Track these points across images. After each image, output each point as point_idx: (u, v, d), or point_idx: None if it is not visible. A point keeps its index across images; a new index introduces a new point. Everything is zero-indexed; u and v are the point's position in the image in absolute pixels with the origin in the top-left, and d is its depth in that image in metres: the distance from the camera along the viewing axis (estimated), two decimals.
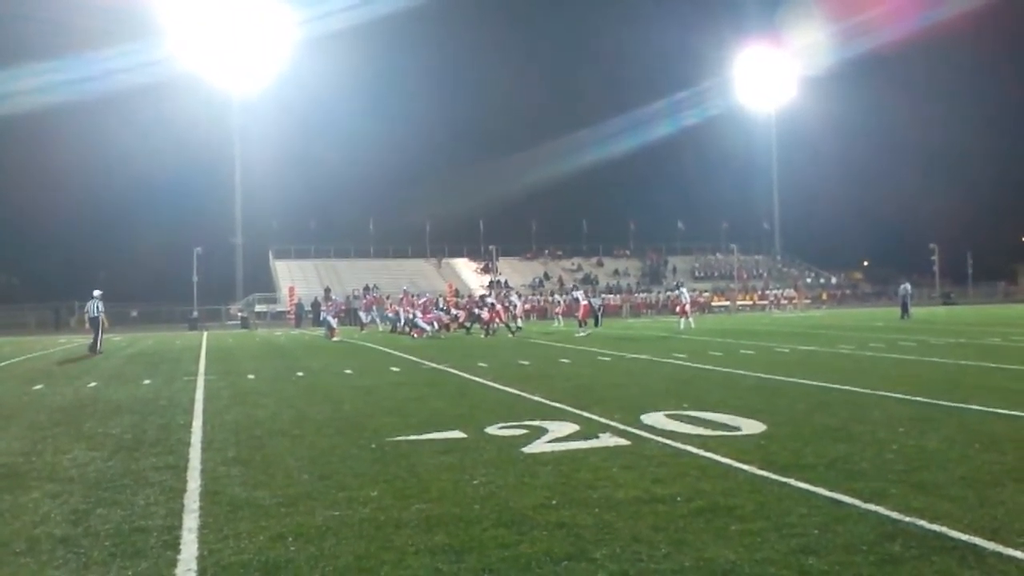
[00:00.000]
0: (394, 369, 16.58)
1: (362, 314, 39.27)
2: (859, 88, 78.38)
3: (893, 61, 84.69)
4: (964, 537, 4.79)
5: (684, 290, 32.52)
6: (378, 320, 38.10)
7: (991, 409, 9.36)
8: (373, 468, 7.07)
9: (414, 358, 19.20)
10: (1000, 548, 4.59)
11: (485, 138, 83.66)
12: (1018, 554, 4.49)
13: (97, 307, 24.76)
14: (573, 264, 72.12)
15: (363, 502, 5.93)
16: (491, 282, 58.75)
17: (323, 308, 32.98)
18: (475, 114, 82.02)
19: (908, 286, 38.23)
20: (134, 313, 55.24)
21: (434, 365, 17.10)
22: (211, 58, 55.23)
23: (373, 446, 8.05)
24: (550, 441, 8.00)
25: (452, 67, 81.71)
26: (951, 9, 67.17)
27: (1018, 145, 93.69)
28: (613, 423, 8.92)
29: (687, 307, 31.01)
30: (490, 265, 65.83)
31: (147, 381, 15.42)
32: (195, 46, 54.34)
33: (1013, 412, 9.14)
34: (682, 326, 29.90)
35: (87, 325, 24.80)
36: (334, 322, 30.13)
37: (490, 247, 66.51)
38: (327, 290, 34.64)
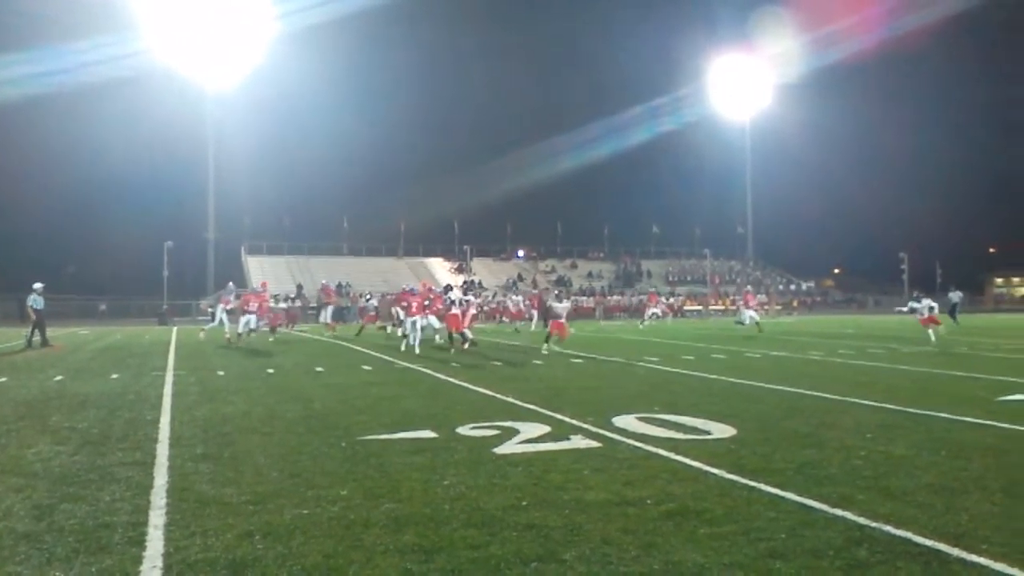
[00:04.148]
0: (366, 368, 16.50)
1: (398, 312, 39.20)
2: (832, 97, 79.12)
3: (865, 70, 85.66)
4: (929, 543, 4.84)
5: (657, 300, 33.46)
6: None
7: (958, 417, 9.48)
8: (343, 467, 7.03)
9: (387, 357, 19.12)
10: (964, 554, 4.64)
11: (462, 139, 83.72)
12: (982, 560, 4.55)
13: (35, 300, 24.02)
14: (547, 266, 72.23)
15: (332, 501, 5.89)
16: (466, 282, 58.70)
17: (326, 302, 33.11)
18: (453, 115, 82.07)
19: (959, 293, 38.27)
20: (103, 307, 54.59)
21: (407, 364, 17.04)
22: (186, 52, 54.73)
23: (343, 445, 8.00)
24: (521, 442, 7.99)
25: (431, 67, 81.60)
26: (922, 18, 68.07)
27: (988, 155, 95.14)
28: (585, 425, 8.94)
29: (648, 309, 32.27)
30: (464, 265, 65.78)
31: (115, 375, 15.23)
32: (170, 40, 53.82)
33: (979, 421, 9.26)
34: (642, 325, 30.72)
35: (33, 318, 23.98)
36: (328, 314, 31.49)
37: (464, 247, 66.50)
38: (331, 284, 34.75)
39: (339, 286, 51.04)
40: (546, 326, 22.76)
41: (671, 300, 44.38)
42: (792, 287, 74.87)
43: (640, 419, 9.32)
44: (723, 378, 14.02)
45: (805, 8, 68.72)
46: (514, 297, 40.61)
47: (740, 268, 76.73)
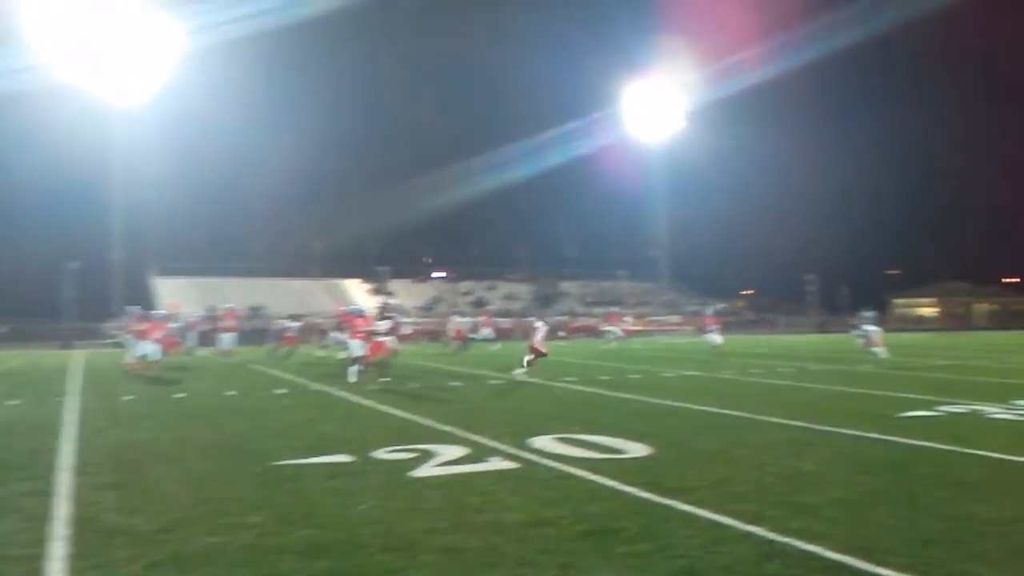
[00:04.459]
0: (280, 391, 16.18)
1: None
2: (743, 122, 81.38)
3: (772, 96, 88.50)
4: (837, 556, 4.99)
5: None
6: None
7: (863, 433, 9.81)
8: (256, 493, 6.87)
9: (302, 380, 18.78)
10: (870, 567, 4.80)
11: (378, 158, 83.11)
12: (887, 572, 4.70)
13: None
14: (465, 287, 72.21)
15: (245, 528, 5.75)
16: (384, 303, 58.11)
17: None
18: (368, 134, 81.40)
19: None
20: (2, 330, 52.21)
21: (322, 388, 16.77)
22: (89, 67, 53.05)
23: (257, 470, 7.83)
24: (439, 465, 7.94)
25: (346, 86, 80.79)
26: (824, 48, 70.65)
27: (893, 180, 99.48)
28: (502, 446, 8.93)
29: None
30: (381, 287, 65.22)
31: (14, 402, 14.57)
32: (72, 54, 52.10)
33: (883, 436, 9.60)
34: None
35: None
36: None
37: (381, 268, 65.98)
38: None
39: (252, 309, 49.99)
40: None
41: (629, 320, 42.61)
42: (706, 308, 76.43)
43: (557, 439, 9.37)
44: (639, 398, 14.22)
45: (717, 36, 70.83)
46: (457, 319, 39.69)
47: (656, 289, 78.06)
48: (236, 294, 55.35)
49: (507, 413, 12.25)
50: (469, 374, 20.36)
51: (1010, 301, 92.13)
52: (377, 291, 65.07)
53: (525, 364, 19.17)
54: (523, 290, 74.17)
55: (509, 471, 7.68)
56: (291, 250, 69.97)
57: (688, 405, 13.02)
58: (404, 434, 10.03)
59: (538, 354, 19.43)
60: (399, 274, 69.94)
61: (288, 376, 20.17)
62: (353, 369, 18.01)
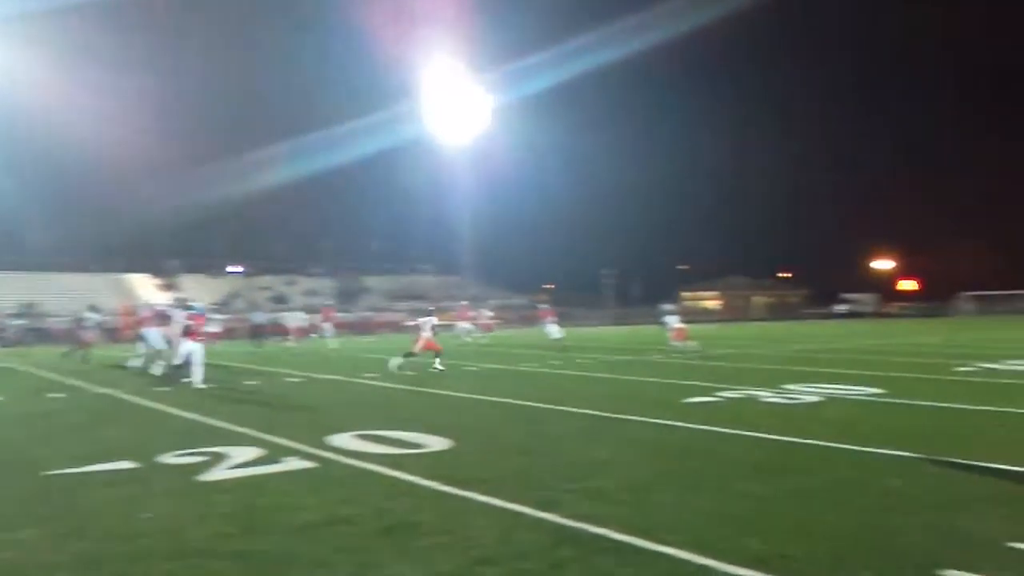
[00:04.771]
0: (55, 395, 14.97)
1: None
2: (546, 120, 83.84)
3: (575, 96, 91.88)
4: (623, 538, 5.22)
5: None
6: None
7: (651, 420, 10.34)
8: (26, 506, 6.32)
9: (80, 383, 17.47)
10: (653, 546, 5.05)
11: (166, 144, 78.49)
12: (667, 550, 4.97)
13: None
14: (264, 283, 69.84)
15: (12, 544, 5.28)
16: (176, 299, 55.12)
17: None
18: (154, 121, 76.75)
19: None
20: None
21: (103, 390, 15.68)
22: None
23: (27, 482, 7.20)
24: (231, 468, 7.63)
25: (138, 69, 76.03)
26: (631, 47, 73.69)
27: (686, 180, 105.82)
28: (300, 446, 8.70)
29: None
30: (172, 282, 61.88)
31: None
32: None
33: (669, 422, 10.17)
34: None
35: None
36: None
37: (171, 262, 62.62)
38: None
39: (24, 306, 46.01)
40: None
41: (486, 314, 40.08)
42: (510, 302, 78.02)
43: (357, 436, 9.24)
44: (441, 392, 14.29)
45: (524, 32, 72.39)
46: (296, 313, 37.47)
47: (460, 283, 78.82)
48: (2, 290, 50.86)
49: (305, 412, 11.96)
50: (266, 372, 19.72)
51: (785, 293, 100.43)
52: (167, 287, 61.65)
53: (435, 365, 18.73)
54: (325, 285, 72.69)
55: (306, 471, 7.49)
56: (68, 242, 64.89)
57: (489, 397, 13.23)
58: (194, 437, 9.56)
59: (413, 354, 19.15)
60: (191, 268, 66.61)
61: (67, 379, 18.69)
62: (199, 375, 16.05)
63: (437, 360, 18.79)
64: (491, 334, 35.17)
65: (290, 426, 10.23)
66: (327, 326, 33.43)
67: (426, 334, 19.39)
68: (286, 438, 9.21)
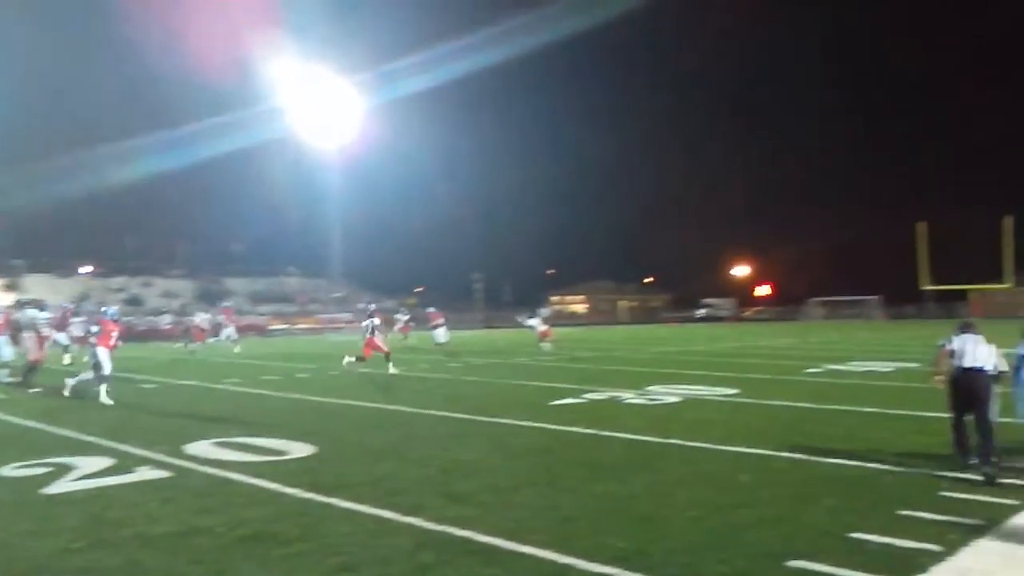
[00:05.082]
0: None
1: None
2: (420, 121, 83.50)
3: (449, 98, 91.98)
4: (487, 539, 5.25)
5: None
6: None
7: (517, 422, 10.45)
8: None
9: None
10: (516, 546, 5.10)
11: (13, 140, 73.82)
12: (531, 550, 5.02)
13: None
14: (117, 283, 66.56)
15: None
16: (17, 301, 51.80)
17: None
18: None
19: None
20: None
21: None
22: None
23: None
24: (78, 479, 7.22)
25: None
26: (507, 52, 74.01)
27: (556, 185, 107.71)
28: (154, 455, 8.33)
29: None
30: (15, 282, 58.14)
31: None
32: None
33: (534, 424, 10.30)
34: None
35: None
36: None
37: (16, 262, 58.83)
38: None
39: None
40: None
41: (405, 315, 37.22)
42: (378, 305, 77.10)
43: (216, 444, 8.93)
44: (305, 397, 13.99)
45: (397, 35, 71.71)
46: (201, 315, 34.94)
47: (327, 286, 77.44)
48: None
49: (160, 419, 11.46)
50: (119, 378, 18.76)
51: (649, 298, 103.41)
52: (9, 287, 57.91)
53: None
54: (183, 287, 69.99)
55: (159, 481, 7.18)
56: None
57: (356, 402, 13.04)
58: (37, 447, 9.00)
59: (362, 358, 19.29)
60: (37, 268, 62.76)
61: None
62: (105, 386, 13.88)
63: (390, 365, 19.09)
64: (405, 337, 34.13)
65: (144, 434, 9.78)
66: (231, 330, 31.84)
67: (372, 336, 19.52)
68: (139, 447, 8.80)
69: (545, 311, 26.22)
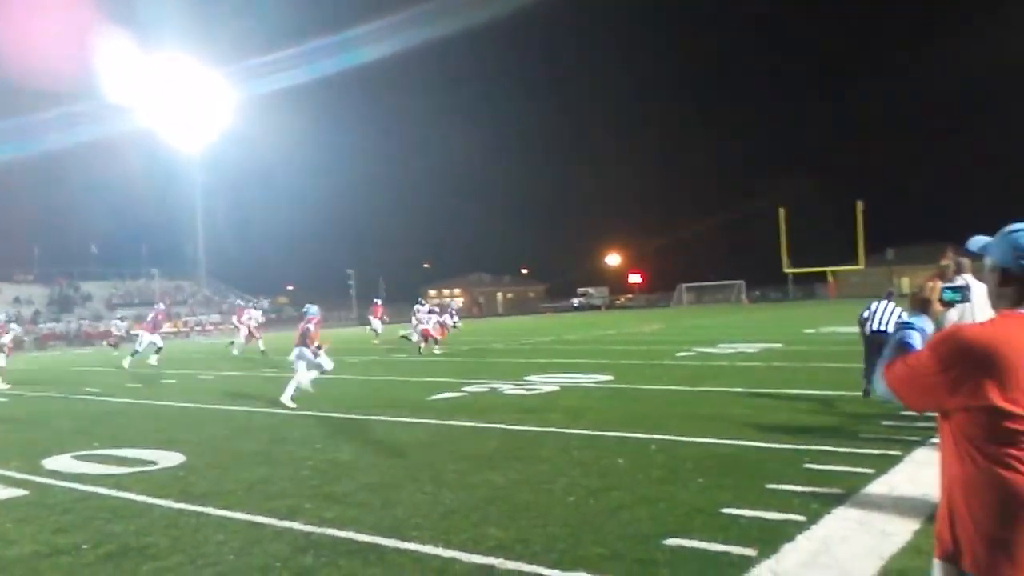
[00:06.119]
0: None
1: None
2: (291, 117, 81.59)
3: (321, 94, 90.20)
4: (368, 538, 5.18)
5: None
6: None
7: (396, 419, 10.36)
8: None
9: None
10: (398, 543, 5.05)
11: None
12: (412, 546, 4.99)
13: None
14: None
15: None
16: None
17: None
18: None
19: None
20: None
21: None
22: None
23: None
24: None
25: None
26: (380, 50, 73.01)
27: (430, 180, 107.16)
28: (8, 472, 7.83)
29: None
30: None
31: None
32: None
33: (413, 420, 10.24)
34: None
35: None
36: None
37: None
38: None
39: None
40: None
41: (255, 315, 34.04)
42: (249, 306, 74.93)
43: (77, 458, 8.47)
44: (172, 403, 13.45)
45: (268, 29, 69.53)
46: (117, 322, 32.11)
47: (192, 288, 74.70)
48: None
49: (14, 433, 10.79)
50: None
51: (525, 289, 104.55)
52: None
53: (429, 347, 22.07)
54: (36, 293, 66.07)
55: (15, 499, 6.75)
56: None
57: (227, 407, 12.65)
58: None
59: (431, 336, 22.45)
60: None
61: None
62: None
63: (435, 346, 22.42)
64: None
65: None
66: (156, 336, 29.53)
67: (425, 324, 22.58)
68: None
69: (427, 306, 25.82)
